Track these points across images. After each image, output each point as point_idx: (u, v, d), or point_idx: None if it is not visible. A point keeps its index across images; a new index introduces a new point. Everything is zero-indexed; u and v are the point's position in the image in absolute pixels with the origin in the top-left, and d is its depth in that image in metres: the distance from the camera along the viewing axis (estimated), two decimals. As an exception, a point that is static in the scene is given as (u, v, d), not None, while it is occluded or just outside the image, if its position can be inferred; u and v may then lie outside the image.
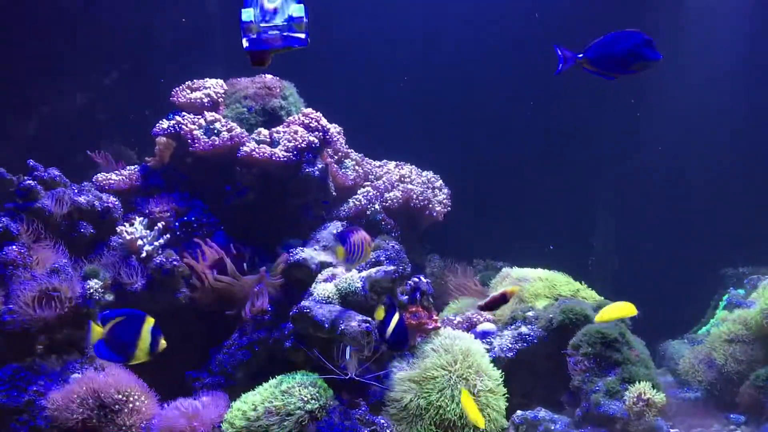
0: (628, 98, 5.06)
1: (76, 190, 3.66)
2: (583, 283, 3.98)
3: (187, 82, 4.28)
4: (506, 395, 3.17)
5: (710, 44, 4.04)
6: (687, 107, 4.94)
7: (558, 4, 5.19)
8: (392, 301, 3.07)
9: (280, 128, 4.00)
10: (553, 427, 3.15)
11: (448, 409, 2.97)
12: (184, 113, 4.05)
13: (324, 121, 4.11)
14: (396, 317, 2.92)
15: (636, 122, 5.13)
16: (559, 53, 2.67)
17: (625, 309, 3.09)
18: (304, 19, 2.22)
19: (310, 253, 3.54)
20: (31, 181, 3.48)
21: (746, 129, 5.03)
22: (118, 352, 2.50)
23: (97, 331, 2.48)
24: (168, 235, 3.64)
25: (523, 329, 3.51)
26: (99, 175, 3.99)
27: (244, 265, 3.68)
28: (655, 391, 3.08)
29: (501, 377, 3.19)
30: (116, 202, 3.76)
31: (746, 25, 4.51)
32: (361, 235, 2.97)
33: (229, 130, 3.93)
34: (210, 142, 3.88)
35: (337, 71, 5.08)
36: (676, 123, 5.03)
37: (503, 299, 3.10)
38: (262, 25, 2.21)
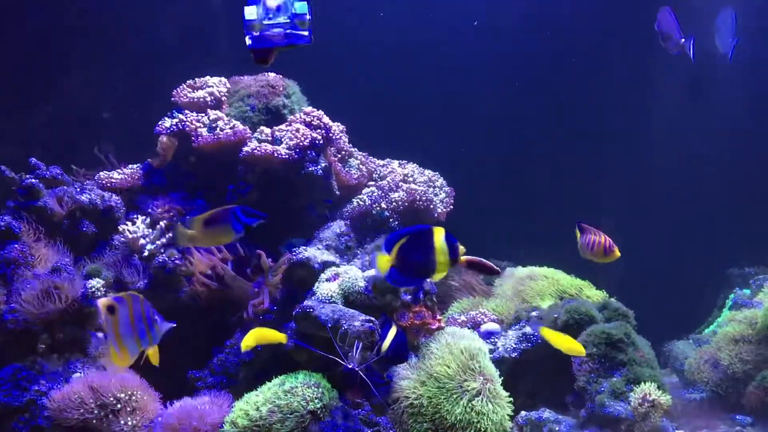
0: (634, 98, 5.03)
1: (78, 189, 3.65)
2: (589, 282, 3.96)
3: (188, 81, 4.26)
4: (510, 396, 3.14)
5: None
6: (693, 106, 4.91)
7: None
8: (387, 317, 3.04)
9: (282, 126, 3.98)
10: (557, 428, 3.13)
11: (451, 409, 2.94)
12: (186, 111, 4.04)
13: (326, 119, 4.09)
14: (393, 331, 2.91)
15: (642, 122, 5.10)
16: None
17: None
18: (308, 17, 2.21)
19: (313, 253, 3.52)
20: (33, 180, 3.47)
21: (753, 128, 5.00)
22: (414, 274, 2.41)
23: (384, 259, 2.38)
24: (170, 234, 3.63)
25: (528, 329, 3.48)
26: (101, 173, 3.98)
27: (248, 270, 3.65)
28: (660, 391, 3.06)
29: (501, 378, 3.16)
30: (118, 201, 3.75)
31: (753, 22, 4.47)
32: (602, 239, 3.01)
33: (232, 128, 3.91)
34: (214, 136, 3.87)
35: (340, 70, 5.06)
36: (681, 123, 5.01)
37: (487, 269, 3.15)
38: (265, 22, 2.20)
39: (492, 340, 3.50)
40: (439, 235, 2.39)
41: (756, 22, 4.69)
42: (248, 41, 2.21)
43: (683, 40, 3.11)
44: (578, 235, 3.17)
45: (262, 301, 3.42)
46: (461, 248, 2.41)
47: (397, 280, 2.42)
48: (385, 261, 2.39)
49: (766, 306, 3.76)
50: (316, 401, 2.80)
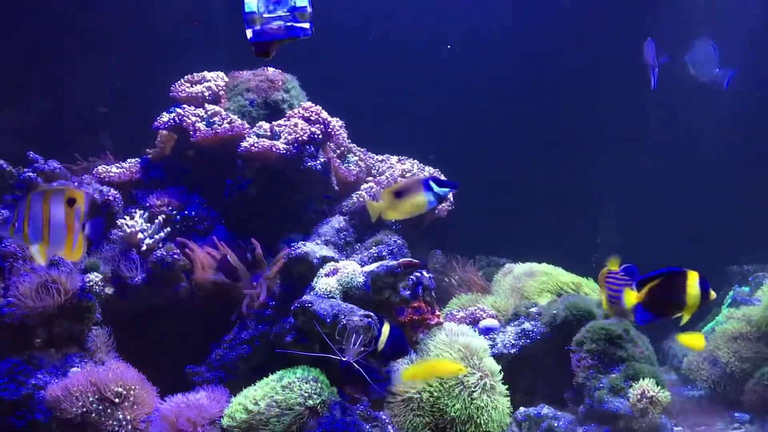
0: (634, 96, 5.02)
1: (76, 183, 3.64)
2: (588, 278, 3.95)
3: (186, 76, 4.25)
4: (508, 392, 3.14)
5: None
6: (693, 104, 4.90)
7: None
8: (380, 316, 3.03)
9: (281, 122, 3.97)
10: (556, 424, 3.13)
11: (451, 403, 2.94)
12: (185, 106, 4.03)
13: (324, 114, 4.08)
14: (386, 329, 2.89)
15: (642, 119, 5.10)
16: None
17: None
18: (308, 9, 2.19)
19: (312, 248, 3.51)
20: (30, 173, 3.46)
21: (752, 126, 5.00)
22: (662, 314, 2.46)
23: (632, 295, 2.46)
24: (169, 229, 3.62)
25: (527, 325, 3.48)
26: (99, 167, 3.97)
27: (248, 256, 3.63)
28: (659, 388, 3.05)
29: (501, 373, 3.16)
30: (116, 195, 3.73)
31: (754, 24, 4.47)
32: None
33: (230, 123, 3.90)
34: (212, 131, 3.86)
35: (340, 64, 5.04)
36: (681, 120, 5.00)
37: None
38: (265, 15, 2.18)
39: (491, 336, 3.50)
40: (693, 279, 2.41)
41: (756, 23, 4.70)
42: (249, 34, 2.19)
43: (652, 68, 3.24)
44: (613, 264, 3.10)
45: (259, 295, 3.42)
46: (712, 293, 2.44)
47: (642, 318, 2.48)
48: (632, 297, 2.47)
49: (764, 303, 3.76)
50: (314, 396, 2.79)
